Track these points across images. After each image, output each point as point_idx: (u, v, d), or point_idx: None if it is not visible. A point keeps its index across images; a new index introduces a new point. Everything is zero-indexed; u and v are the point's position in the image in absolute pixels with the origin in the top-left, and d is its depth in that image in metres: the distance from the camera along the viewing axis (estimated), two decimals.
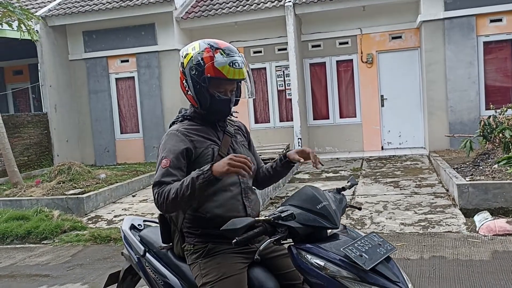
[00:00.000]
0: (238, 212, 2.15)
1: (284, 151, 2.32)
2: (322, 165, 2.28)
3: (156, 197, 2.01)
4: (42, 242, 6.17)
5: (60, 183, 8.25)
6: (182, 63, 2.18)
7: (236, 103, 2.24)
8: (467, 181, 6.10)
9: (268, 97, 11.88)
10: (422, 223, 5.52)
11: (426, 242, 4.93)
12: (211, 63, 2.08)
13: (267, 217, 1.86)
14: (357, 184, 2.44)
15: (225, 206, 2.13)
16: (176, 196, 1.94)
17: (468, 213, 5.69)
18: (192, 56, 2.14)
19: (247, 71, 2.16)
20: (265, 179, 2.42)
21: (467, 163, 7.61)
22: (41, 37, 11.12)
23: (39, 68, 11.40)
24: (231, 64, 2.08)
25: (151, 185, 2.08)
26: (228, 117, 2.28)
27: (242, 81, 2.21)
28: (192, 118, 2.22)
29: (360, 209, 2.44)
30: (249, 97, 2.28)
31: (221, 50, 2.11)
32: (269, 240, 1.83)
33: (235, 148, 2.24)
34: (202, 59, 2.11)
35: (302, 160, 2.26)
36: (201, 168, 1.93)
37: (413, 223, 5.55)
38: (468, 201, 5.81)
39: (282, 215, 1.85)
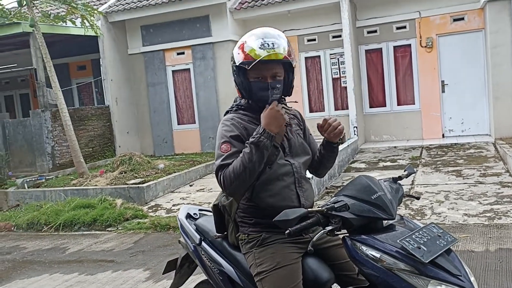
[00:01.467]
0: (292, 201, 2.14)
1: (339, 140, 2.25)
2: (342, 134, 2.17)
3: (221, 180, 2.02)
4: (107, 229, 6.48)
5: (122, 173, 8.61)
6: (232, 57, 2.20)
7: (287, 92, 2.19)
8: None
9: (322, 85, 11.71)
10: (488, 214, 5.25)
11: (492, 233, 4.69)
12: (242, 50, 2.08)
13: (320, 208, 1.84)
14: (414, 172, 2.34)
15: (279, 196, 2.12)
16: (244, 168, 1.97)
17: None
18: (235, 48, 2.16)
19: (286, 52, 2.05)
20: (317, 165, 2.37)
21: None
22: (102, 33, 11.57)
23: (101, 63, 11.90)
24: (261, 46, 2.03)
25: (214, 172, 2.09)
26: (284, 105, 2.23)
27: (294, 67, 2.15)
28: (245, 108, 2.23)
29: (418, 198, 2.35)
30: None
31: (254, 35, 2.09)
32: (322, 231, 1.81)
33: (289, 137, 2.22)
34: (237, 48, 2.12)
35: (326, 136, 2.18)
36: (253, 134, 2.00)
37: (477, 214, 5.29)
38: None
39: (336, 205, 1.82)
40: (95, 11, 9.73)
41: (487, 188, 6.27)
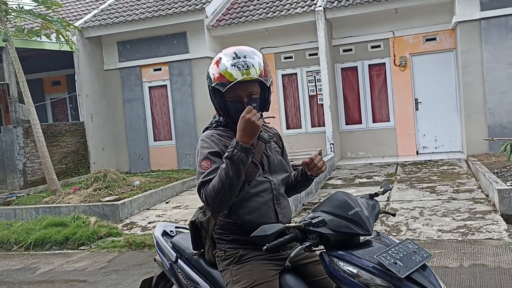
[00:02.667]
0: (270, 218, 2.13)
1: None
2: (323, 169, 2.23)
3: (204, 197, 2.00)
4: (80, 248, 6.31)
5: (96, 190, 8.44)
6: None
7: (264, 108, 2.19)
8: (508, 186, 5.87)
9: (299, 102, 11.82)
10: (461, 230, 5.33)
11: (466, 249, 4.75)
12: (216, 70, 2.08)
13: (298, 224, 1.83)
14: (390, 189, 2.37)
15: (257, 213, 2.11)
16: (222, 184, 1.94)
17: (510, 219, 5.47)
18: (209, 67, 2.16)
19: (260, 71, 2.06)
20: (289, 189, 2.36)
21: (508, 168, 7.33)
22: (78, 49, 11.46)
23: (76, 79, 11.75)
24: (235, 66, 2.03)
25: (197, 190, 2.06)
26: (263, 124, 2.23)
27: (269, 84, 2.15)
28: (225, 125, 2.21)
29: (394, 215, 2.38)
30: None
31: (228, 55, 2.08)
32: (300, 247, 1.80)
33: (268, 154, 2.22)
34: (212, 67, 2.12)
35: (308, 171, 2.23)
36: (228, 148, 1.97)
37: (451, 230, 5.37)
38: (509, 206, 5.58)
39: (313, 221, 1.82)
40: (71, 26, 9.65)
41: (460, 204, 6.39)
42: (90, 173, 9.97)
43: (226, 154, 1.96)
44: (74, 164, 11.44)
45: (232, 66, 2.04)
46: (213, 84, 2.09)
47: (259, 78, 2.06)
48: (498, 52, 9.50)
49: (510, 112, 9.48)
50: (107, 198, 7.93)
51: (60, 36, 9.15)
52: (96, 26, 11.70)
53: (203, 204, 2.28)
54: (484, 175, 6.88)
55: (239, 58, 2.05)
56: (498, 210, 5.76)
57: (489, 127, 9.60)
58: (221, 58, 2.09)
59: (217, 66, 2.08)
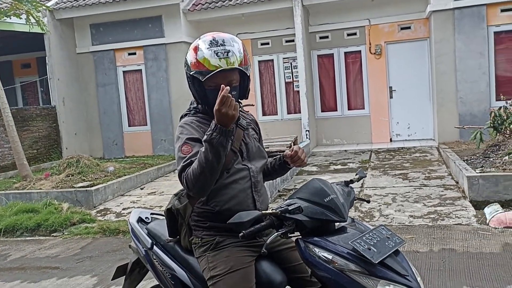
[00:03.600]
0: (248, 205, 2.13)
1: (291, 143, 2.28)
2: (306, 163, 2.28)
3: (184, 182, 1.97)
4: (52, 234, 6.21)
5: (69, 176, 8.30)
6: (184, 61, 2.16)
7: (243, 95, 2.17)
8: (477, 173, 6.03)
9: (275, 89, 11.83)
10: (432, 216, 5.47)
11: (436, 234, 4.89)
12: (195, 57, 2.03)
13: (274, 210, 1.84)
14: (365, 176, 2.41)
15: (235, 200, 2.11)
16: (202, 168, 1.90)
17: (478, 205, 5.64)
18: (187, 53, 2.11)
19: (240, 59, 2.02)
20: (263, 175, 2.35)
21: (477, 155, 7.53)
22: (49, 31, 11.13)
23: (47, 62, 11.44)
24: (213, 54, 1.99)
25: (178, 175, 2.02)
26: (241, 110, 2.23)
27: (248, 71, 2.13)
28: (204, 111, 2.18)
29: (368, 201, 2.42)
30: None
31: (206, 42, 2.03)
32: (276, 234, 1.81)
33: (247, 141, 2.21)
34: (190, 54, 2.07)
35: (291, 163, 2.25)
36: (207, 131, 1.91)
37: (422, 216, 5.51)
38: (478, 193, 5.75)
39: (289, 208, 1.83)
40: (42, 7, 9.34)
41: (431, 190, 6.54)
42: (62, 159, 9.77)
43: (205, 137, 1.91)
44: (45, 149, 11.20)
45: (211, 53, 1.99)
46: (192, 72, 2.05)
47: (240, 67, 2.03)
48: (470, 42, 9.69)
49: (481, 101, 9.72)
50: (80, 184, 7.81)
51: (30, 17, 8.86)
52: (68, 8, 11.37)
53: (178, 191, 2.27)
54: (455, 162, 7.06)
55: (219, 45, 2.01)
56: (467, 196, 5.92)
57: (460, 116, 9.82)
58: (199, 44, 2.04)
59: (195, 53, 2.03)
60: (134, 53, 11.72)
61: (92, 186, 7.55)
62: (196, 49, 2.04)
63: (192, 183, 1.94)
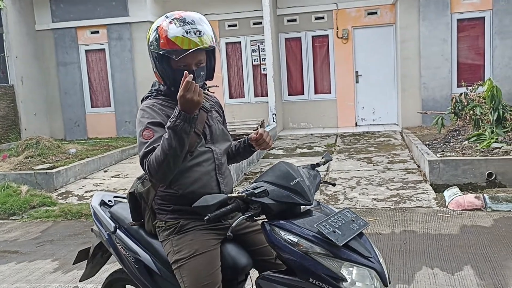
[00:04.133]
0: (212, 188, 2.11)
1: (258, 127, 2.28)
2: (270, 146, 2.30)
3: (146, 169, 1.93)
4: (10, 218, 6.02)
5: (28, 158, 8.02)
6: (147, 40, 2.08)
7: (210, 76, 2.15)
8: (438, 157, 6.21)
9: (243, 72, 11.75)
10: (394, 199, 5.61)
11: (398, 217, 5.02)
12: (165, 36, 1.97)
13: (240, 194, 1.83)
14: (331, 160, 2.43)
15: (198, 182, 2.08)
16: (165, 155, 1.87)
17: (438, 189, 5.81)
18: (149, 33, 2.04)
19: (211, 39, 2.00)
20: (228, 158, 2.33)
21: (439, 140, 7.74)
22: (6, 6, 10.62)
23: (4, 38, 10.92)
24: (185, 33, 1.94)
25: (139, 161, 1.97)
26: (204, 92, 2.18)
27: (216, 52, 2.11)
28: (165, 94, 2.13)
29: (334, 185, 2.45)
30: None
31: (176, 20, 1.98)
32: (242, 217, 1.80)
33: (210, 124, 2.17)
34: (157, 33, 1.99)
35: (255, 146, 2.27)
36: (170, 117, 1.89)
37: (385, 199, 5.63)
38: (438, 176, 5.92)
39: (255, 191, 1.82)
40: None
41: (394, 174, 6.70)
42: (21, 140, 9.44)
43: (168, 124, 1.87)
44: (3, 130, 10.76)
45: (183, 32, 1.94)
46: (162, 51, 1.98)
47: (211, 45, 1.99)
48: (434, 28, 9.88)
49: (443, 86, 9.97)
50: (40, 166, 7.56)
51: None
52: None
53: (141, 174, 2.22)
54: (417, 146, 7.24)
55: (190, 24, 1.96)
56: (428, 180, 6.10)
57: (423, 101, 10.06)
58: (169, 22, 1.98)
59: (165, 31, 1.96)
60: (97, 32, 11.35)
61: (53, 169, 7.33)
62: (162, 27, 1.97)
63: (155, 170, 1.91)
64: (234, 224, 1.77)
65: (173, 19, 1.98)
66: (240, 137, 2.42)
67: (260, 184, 1.89)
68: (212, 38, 2.01)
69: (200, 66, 2.04)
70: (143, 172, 2.18)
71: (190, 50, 1.94)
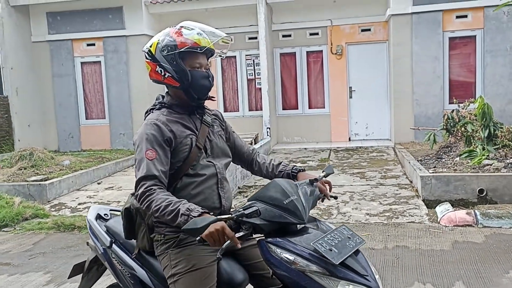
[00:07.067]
0: (213, 202, 2.14)
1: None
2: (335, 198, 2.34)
3: (140, 194, 1.97)
4: (3, 229, 5.98)
5: (21, 169, 7.99)
6: (149, 52, 2.14)
7: (212, 84, 2.22)
8: (430, 173, 6.27)
9: (237, 85, 11.83)
10: (387, 214, 5.65)
11: (390, 232, 5.05)
12: (181, 38, 2.09)
13: (230, 215, 1.82)
14: (333, 173, 2.38)
15: (201, 196, 2.11)
16: (158, 213, 1.93)
17: (431, 204, 5.87)
18: (158, 41, 2.12)
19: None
20: (259, 172, 2.43)
21: (431, 156, 7.82)
22: (3, 17, 10.66)
23: None
24: (199, 34, 2.10)
25: (136, 180, 2.00)
26: (206, 105, 2.26)
27: (211, 61, 2.24)
28: (170, 106, 2.18)
29: (336, 198, 2.40)
30: (221, 57, 2.34)
31: (184, 28, 2.13)
32: (229, 242, 1.77)
33: (211, 139, 2.22)
34: (171, 37, 2.10)
35: (326, 194, 2.23)
36: (192, 208, 1.86)
37: (378, 214, 5.67)
38: (430, 192, 5.98)
39: (246, 212, 1.82)
40: None
41: (387, 189, 6.75)
42: (14, 151, 9.40)
43: (183, 207, 1.87)
44: None
45: (198, 33, 2.10)
46: (182, 49, 2.07)
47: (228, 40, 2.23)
48: (427, 46, 10.04)
49: (435, 103, 10.09)
50: (33, 178, 7.54)
51: None
52: None
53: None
54: (409, 162, 7.31)
55: (198, 29, 2.13)
56: (420, 196, 6.15)
57: (415, 117, 10.16)
58: (179, 29, 2.12)
59: (179, 35, 2.09)
60: (93, 44, 11.39)
61: (46, 180, 7.30)
62: (174, 33, 2.10)
63: (146, 207, 1.98)
64: (224, 246, 1.76)
65: (181, 27, 2.12)
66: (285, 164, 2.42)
67: (252, 203, 1.88)
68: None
69: (208, 69, 2.19)
70: None
71: (208, 46, 2.10)
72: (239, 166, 2.54)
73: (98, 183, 8.18)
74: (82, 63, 11.56)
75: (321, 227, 1.96)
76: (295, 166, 2.36)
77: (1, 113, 10.85)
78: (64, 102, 11.61)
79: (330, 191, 2.24)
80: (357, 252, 1.86)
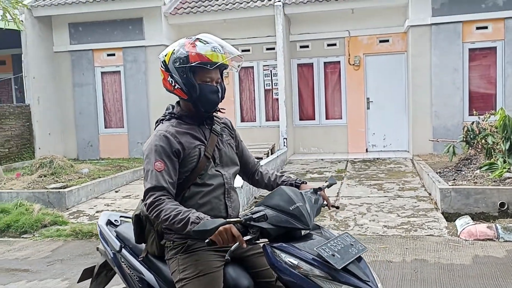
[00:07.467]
0: (220, 211, 2.16)
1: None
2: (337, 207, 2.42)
3: (149, 204, 2.00)
4: (22, 236, 6.06)
5: (41, 177, 8.12)
6: (164, 62, 2.17)
7: (222, 97, 2.22)
8: (449, 185, 6.16)
9: (254, 96, 11.86)
10: (405, 226, 5.56)
11: (409, 245, 4.96)
12: (195, 51, 2.09)
13: (238, 218, 1.87)
14: (335, 183, 2.45)
15: (208, 206, 2.13)
16: (168, 222, 1.96)
17: (450, 217, 5.75)
18: (173, 51, 2.14)
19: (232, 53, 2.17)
20: (260, 184, 2.44)
21: (450, 168, 7.70)
22: (26, 28, 10.94)
23: (22, 59, 11.21)
24: (213, 49, 2.09)
25: (145, 190, 2.03)
26: (215, 114, 2.27)
27: (224, 74, 2.24)
28: (179, 117, 2.20)
29: (338, 208, 2.48)
30: (236, 71, 2.34)
31: (200, 39, 2.13)
32: (238, 243, 1.83)
33: (220, 147, 2.23)
34: (184, 49, 2.11)
35: (329, 203, 2.27)
36: (202, 217, 1.91)
37: (396, 226, 5.59)
38: (450, 205, 5.87)
39: (254, 216, 1.87)
40: (19, 4, 9.16)
41: (405, 201, 6.65)
42: (35, 159, 9.57)
43: (193, 216, 1.91)
44: (17, 148, 10.95)
45: (211, 48, 2.09)
46: (193, 63, 2.08)
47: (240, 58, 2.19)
48: (446, 57, 9.93)
49: (454, 115, 9.95)
50: (53, 185, 7.65)
51: (6, 14, 8.67)
52: (46, 5, 11.19)
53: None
54: (428, 174, 7.20)
55: (213, 43, 2.12)
56: (439, 208, 6.04)
57: (434, 129, 10.03)
58: (194, 41, 2.12)
59: (193, 48, 2.10)
60: (113, 54, 11.59)
61: (65, 188, 7.40)
62: (188, 45, 2.11)
63: (154, 217, 2.01)
64: (232, 248, 1.81)
65: (197, 39, 2.13)
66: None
67: (260, 209, 1.93)
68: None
69: (219, 83, 2.18)
70: None
71: (219, 62, 2.08)
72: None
73: (116, 191, 8.26)
74: (102, 72, 11.76)
75: (324, 234, 2.01)
76: (298, 178, 2.41)
77: (22, 122, 11.09)
78: (84, 111, 11.81)
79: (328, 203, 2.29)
80: (359, 259, 1.90)
